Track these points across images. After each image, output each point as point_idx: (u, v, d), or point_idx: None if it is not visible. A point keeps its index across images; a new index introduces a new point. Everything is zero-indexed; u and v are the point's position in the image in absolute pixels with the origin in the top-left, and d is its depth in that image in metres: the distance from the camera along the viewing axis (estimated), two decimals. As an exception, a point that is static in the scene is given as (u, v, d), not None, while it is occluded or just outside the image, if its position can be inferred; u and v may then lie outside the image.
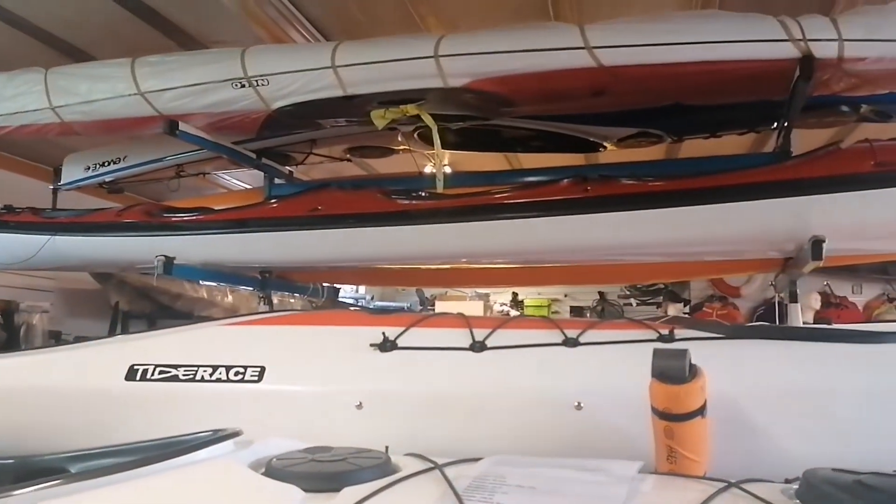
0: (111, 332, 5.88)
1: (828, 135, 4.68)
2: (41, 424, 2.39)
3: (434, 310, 10.37)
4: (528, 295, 11.46)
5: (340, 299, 7.79)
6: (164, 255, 3.96)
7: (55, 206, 4.96)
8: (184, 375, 2.31)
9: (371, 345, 2.33)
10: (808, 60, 2.83)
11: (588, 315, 10.98)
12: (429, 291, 11.19)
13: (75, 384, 2.46)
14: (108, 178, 4.88)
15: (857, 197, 3.11)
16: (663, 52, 2.98)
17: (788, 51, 2.84)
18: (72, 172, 4.91)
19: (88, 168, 4.83)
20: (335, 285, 6.10)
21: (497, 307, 11.48)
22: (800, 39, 2.81)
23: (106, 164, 4.77)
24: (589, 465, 1.36)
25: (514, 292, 11.35)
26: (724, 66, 2.97)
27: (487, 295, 11.37)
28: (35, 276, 5.85)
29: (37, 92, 3.71)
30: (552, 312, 11.40)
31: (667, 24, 3.06)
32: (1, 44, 4.62)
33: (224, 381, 2.28)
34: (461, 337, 2.32)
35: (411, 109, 3.41)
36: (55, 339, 5.76)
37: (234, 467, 1.30)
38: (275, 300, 6.52)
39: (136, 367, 2.37)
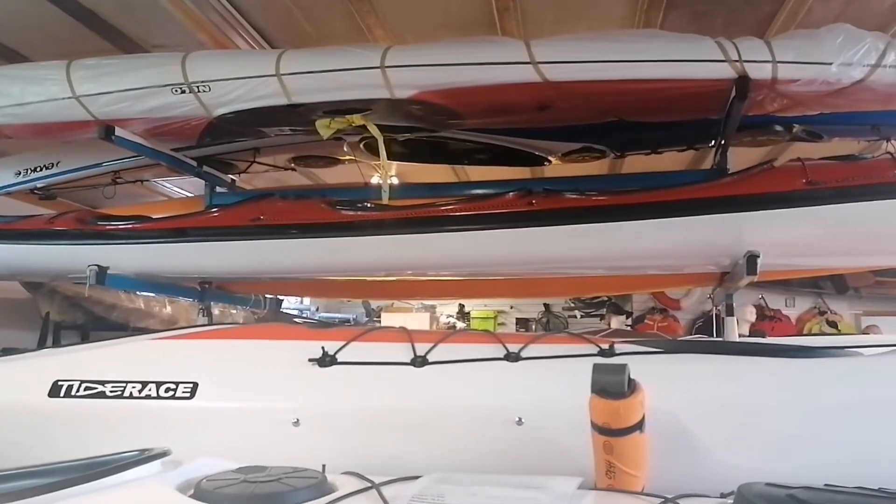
0: (41, 344, 5.66)
1: (763, 153, 4.83)
2: None
3: (380, 321, 10.31)
4: (475, 306, 11.50)
5: (284, 310, 7.67)
6: (97, 265, 3.83)
7: (-18, 212, 4.75)
8: (111, 392, 2.21)
9: (310, 359, 2.28)
10: (743, 81, 2.91)
11: (534, 326, 11.08)
12: (374, 303, 11.11)
13: None
14: (39, 184, 4.69)
15: (790, 214, 3.20)
16: (606, 70, 3.03)
17: (725, 71, 2.92)
18: (1, 178, 4.70)
19: (19, 173, 4.63)
20: (278, 296, 5.99)
21: (444, 319, 11.48)
22: (736, 60, 2.89)
23: (38, 169, 4.58)
24: (529, 482, 1.35)
25: (460, 304, 11.37)
26: (664, 84, 3.03)
27: (434, 307, 11.36)
28: (-47, 286, 5.58)
29: None
30: (498, 324, 11.46)
31: (610, 42, 3.12)
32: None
33: (154, 397, 2.19)
34: (402, 351, 2.29)
35: (357, 120, 3.39)
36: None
37: (161, 489, 1.25)
38: (216, 311, 6.38)
39: (60, 382, 2.26)
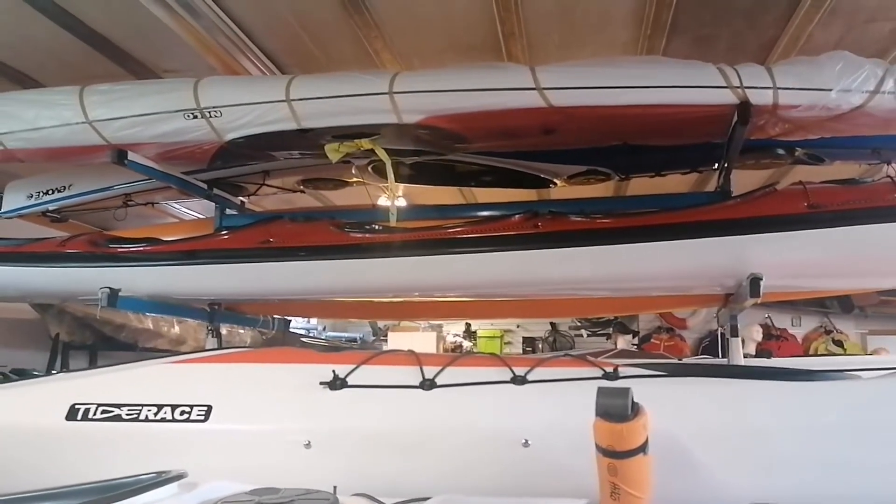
0: (51, 364, 5.69)
1: (766, 176, 4.87)
2: None
3: (387, 340, 10.31)
4: (482, 326, 11.49)
5: (291, 330, 7.69)
6: (109, 287, 3.88)
7: (-4, 234, 4.81)
8: (127, 415, 2.25)
9: (321, 383, 2.32)
10: (745, 106, 2.97)
11: (540, 345, 11.07)
12: (381, 322, 11.13)
13: (13, 423, 2.36)
14: (51, 207, 4.75)
15: (792, 237, 3.23)
16: (609, 95, 3.09)
17: (727, 97, 2.98)
18: (13, 200, 4.76)
19: (31, 196, 4.69)
20: (286, 317, 6.02)
21: (450, 338, 11.47)
22: (737, 87, 2.95)
23: (50, 192, 4.64)
24: (534, 504, 1.38)
25: (467, 323, 11.37)
26: (667, 109, 3.08)
27: (441, 326, 11.36)
28: (-35, 306, 5.62)
29: None
30: (505, 343, 11.46)
31: (614, 69, 3.17)
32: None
33: (169, 420, 2.23)
34: (411, 375, 2.33)
35: (366, 144, 3.44)
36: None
37: (178, 512, 1.28)
38: (223, 331, 6.41)
39: (77, 406, 2.30)
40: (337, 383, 2.30)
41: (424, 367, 2.33)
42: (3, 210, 4.78)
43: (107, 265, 4.02)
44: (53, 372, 5.35)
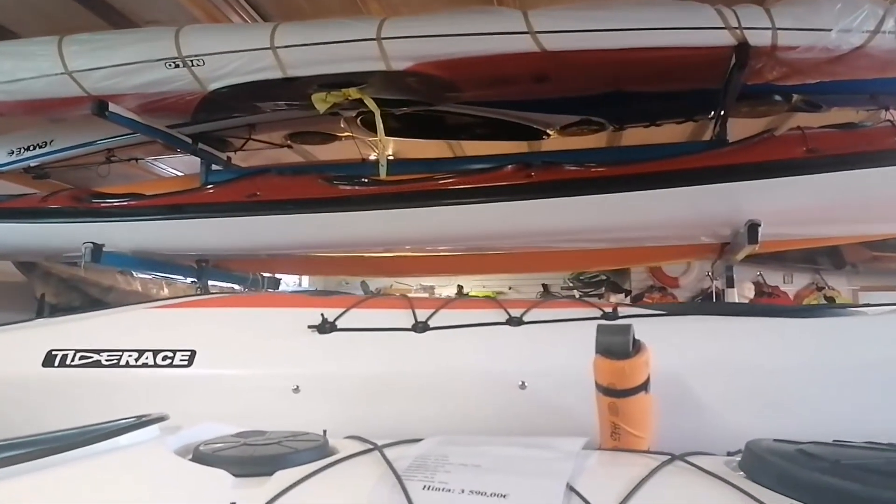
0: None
1: (762, 125, 4.79)
2: None
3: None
4: (473, 287, 11.47)
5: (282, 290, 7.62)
6: (92, 243, 3.80)
7: (-26, 192, 4.70)
8: (107, 361, 2.17)
9: (309, 326, 2.25)
10: (743, 48, 2.90)
11: (531, 307, 11.06)
12: (374, 284, 11.08)
13: None
14: (33, 163, 4.64)
15: (790, 182, 3.18)
16: (604, 38, 3.02)
17: (724, 38, 2.91)
18: (-7, 157, 4.66)
19: (12, 152, 4.58)
20: (276, 276, 5.95)
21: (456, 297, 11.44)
22: (735, 27, 2.88)
23: (31, 147, 4.53)
24: (534, 443, 1.34)
25: (459, 285, 11.34)
26: (663, 52, 3.01)
27: (433, 287, 11.33)
28: (-53, 268, 5.52)
29: None
30: (496, 305, 11.44)
31: (608, 11, 3.08)
32: None
33: (151, 366, 2.15)
34: (403, 317, 2.26)
35: (353, 93, 3.36)
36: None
37: (158, 452, 1.22)
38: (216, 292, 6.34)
39: (54, 352, 2.22)
40: (326, 327, 2.23)
41: (417, 310, 2.27)
42: (-17, 167, 4.68)
43: (90, 220, 3.93)
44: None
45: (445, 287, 11.47)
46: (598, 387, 1.53)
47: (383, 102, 3.44)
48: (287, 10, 4.44)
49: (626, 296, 10.20)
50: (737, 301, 3.81)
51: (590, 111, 3.99)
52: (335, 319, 2.26)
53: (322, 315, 2.25)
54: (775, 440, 1.25)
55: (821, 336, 2.06)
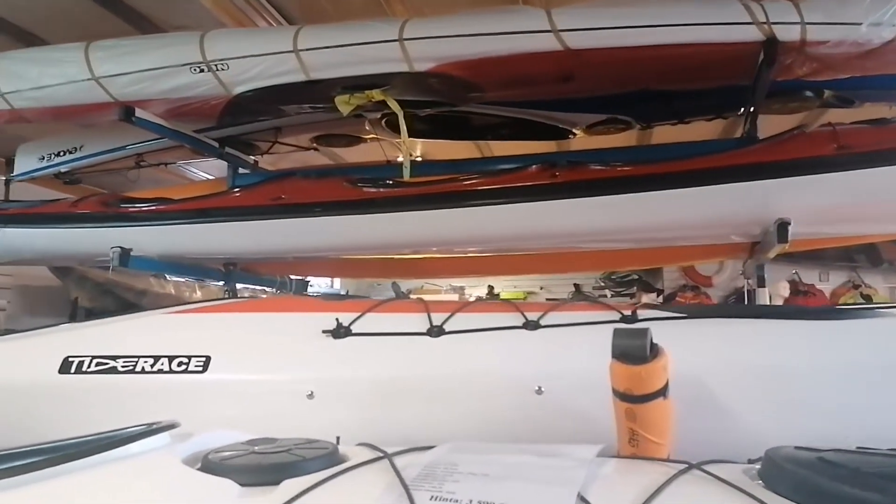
0: (72, 328, 5.70)
1: (794, 121, 4.69)
2: None
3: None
4: (504, 288, 11.42)
5: (311, 292, 7.65)
6: (121, 247, 3.84)
7: (7, 197, 4.79)
8: (123, 367, 2.18)
9: (324, 331, 2.23)
10: (771, 43, 2.85)
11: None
12: (405, 286, 11.09)
13: (4, 378, 2.30)
14: (63, 169, 4.71)
15: (821, 180, 3.10)
16: (629, 36, 2.97)
17: (752, 34, 2.86)
18: (25, 163, 4.73)
19: (43, 158, 4.66)
20: (305, 278, 5.98)
21: (473, 300, 11.40)
22: (763, 22, 2.83)
23: (61, 153, 4.61)
24: (546, 451, 1.31)
25: (489, 285, 11.30)
26: (690, 49, 2.96)
27: (463, 288, 11.30)
28: (-13, 272, 5.66)
29: None
30: (528, 304, 11.37)
31: (633, 8, 3.05)
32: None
33: (167, 371, 2.16)
34: (418, 321, 2.24)
35: (376, 95, 3.35)
36: (12, 337, 5.56)
37: (166, 461, 1.22)
38: (246, 294, 6.39)
39: (70, 358, 2.23)
40: (340, 331, 2.21)
41: (432, 314, 2.24)
42: (15, 173, 4.76)
43: (118, 225, 3.98)
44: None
45: (476, 287, 11.44)
46: (615, 392, 1.49)
47: (407, 104, 3.42)
48: (311, 13, 4.46)
49: (658, 295, 10.08)
50: (768, 301, 3.71)
51: (616, 110, 3.94)
52: (350, 324, 2.25)
53: (337, 320, 2.23)
54: (796, 448, 1.21)
55: (846, 339, 1.99)
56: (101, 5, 4.32)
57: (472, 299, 9.84)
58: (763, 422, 1.85)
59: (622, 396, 1.47)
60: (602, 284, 10.91)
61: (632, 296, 10.49)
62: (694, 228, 3.47)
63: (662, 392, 1.47)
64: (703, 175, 3.23)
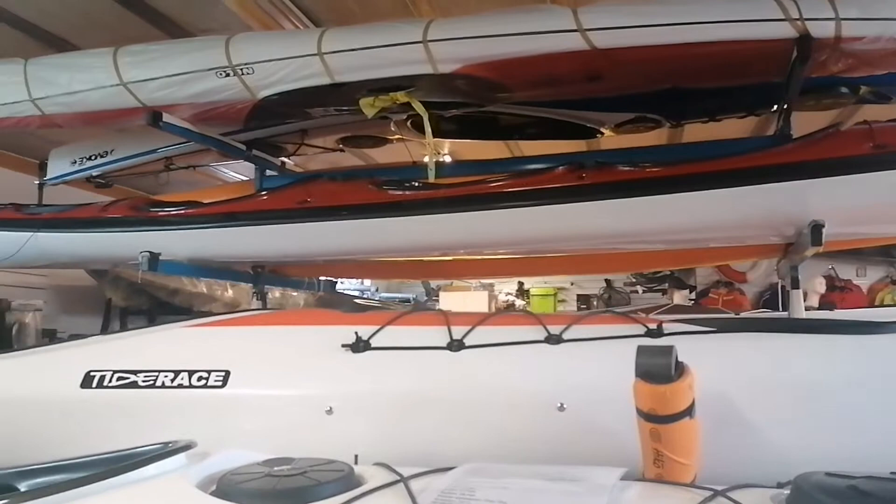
0: (104, 330, 5.81)
1: (830, 118, 4.57)
2: None
3: (438, 301, 10.28)
4: (535, 284, 11.37)
5: (343, 292, 7.69)
6: (149, 251, 3.87)
7: (41, 201, 4.86)
8: (143, 381, 2.19)
9: (343, 345, 2.22)
10: (805, 40, 2.76)
11: (595, 303, 10.91)
12: (433, 282, 11.09)
13: (28, 392, 2.32)
14: (94, 172, 4.77)
15: (856, 180, 3.01)
16: (657, 34, 2.90)
17: (785, 30, 2.77)
18: (58, 167, 4.80)
19: (75, 162, 4.72)
20: (332, 279, 6.00)
21: (502, 297, 11.38)
22: (797, 18, 2.73)
23: (93, 157, 4.66)
24: (567, 474, 1.28)
25: (519, 282, 11.26)
26: (720, 46, 2.88)
27: (492, 285, 11.27)
28: (27, 274, 5.74)
29: (16, 83, 3.63)
30: (559, 301, 11.33)
31: (661, 5, 2.97)
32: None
33: (186, 386, 2.16)
34: (438, 335, 2.21)
35: (401, 97, 3.32)
36: (49, 337, 5.68)
37: (181, 486, 1.21)
38: (277, 294, 6.45)
39: (92, 373, 2.24)
40: (360, 345, 2.20)
41: (452, 327, 2.21)
42: (47, 177, 4.84)
43: (147, 229, 4.02)
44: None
45: (506, 283, 11.42)
46: (640, 412, 1.45)
47: (432, 105, 3.39)
48: (338, 15, 4.46)
49: (690, 292, 9.95)
50: (801, 302, 3.61)
51: (645, 108, 3.86)
52: (369, 338, 2.22)
53: (356, 333, 2.22)
54: (826, 474, 1.16)
55: (884, 355, 1.92)
56: (130, 10, 4.38)
57: (502, 296, 9.83)
58: (795, 442, 1.79)
59: (647, 416, 1.43)
60: (633, 280, 10.81)
61: (664, 292, 10.37)
62: (725, 230, 3.40)
63: (688, 412, 1.43)
64: (735, 175, 3.16)
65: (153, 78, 3.48)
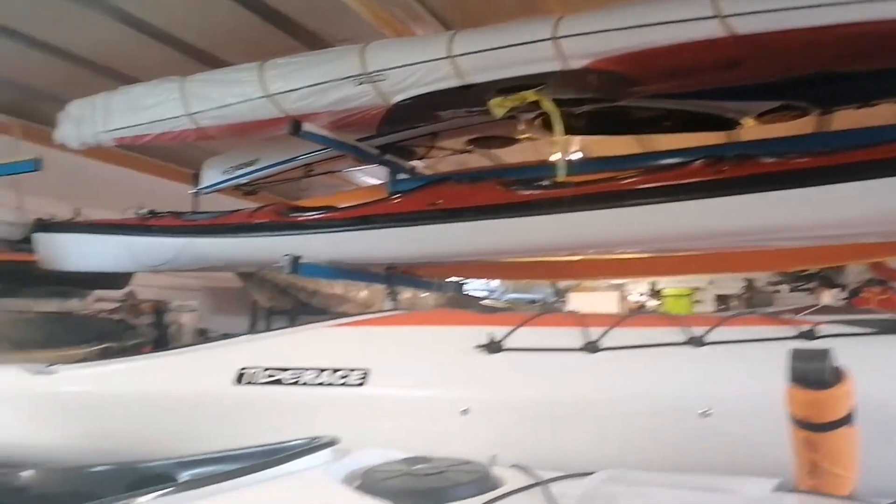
0: (251, 330, 6.13)
1: None
2: (151, 428, 2.39)
3: (566, 302, 10.15)
4: (668, 284, 10.98)
5: (471, 293, 7.75)
6: (291, 255, 4.06)
7: (195, 208, 5.21)
8: (288, 379, 2.29)
9: (477, 346, 2.21)
10: None
11: (735, 303, 10.40)
12: (562, 283, 10.97)
13: (186, 388, 2.47)
14: (242, 181, 5.07)
15: None
16: (805, 15, 2.70)
17: None
18: (210, 176, 5.16)
19: (225, 171, 5.05)
20: (459, 280, 6.07)
21: (633, 297, 11.10)
22: None
23: (240, 166, 4.97)
24: (715, 483, 1.21)
25: (651, 281, 10.93)
26: (875, 26, 2.65)
27: (623, 285, 11.01)
28: (182, 276, 6.15)
29: (174, 100, 3.94)
30: (695, 301, 10.89)
31: None
32: (130, 49, 4.99)
33: (327, 384, 2.23)
34: (573, 337, 2.15)
35: (530, 96, 3.31)
36: (202, 336, 6.07)
37: (327, 481, 1.26)
38: (408, 294, 6.59)
39: (244, 370, 2.35)
40: (493, 346, 2.19)
41: (588, 329, 2.16)
42: (201, 186, 5.18)
43: (289, 233, 4.22)
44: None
45: (637, 284, 11.12)
46: (793, 420, 1.36)
47: (562, 102, 3.35)
48: (468, 17, 4.49)
49: (841, 291, 9.27)
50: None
51: (790, 95, 3.65)
52: (503, 339, 2.21)
53: (490, 335, 2.21)
54: None
55: None
56: (269, 23, 4.62)
57: (632, 297, 9.53)
58: None
59: (801, 424, 1.34)
60: (778, 279, 10.21)
61: (811, 291, 9.74)
62: (881, 224, 3.14)
63: (847, 420, 1.33)
64: (891, 165, 2.91)
65: (295, 88, 3.68)
